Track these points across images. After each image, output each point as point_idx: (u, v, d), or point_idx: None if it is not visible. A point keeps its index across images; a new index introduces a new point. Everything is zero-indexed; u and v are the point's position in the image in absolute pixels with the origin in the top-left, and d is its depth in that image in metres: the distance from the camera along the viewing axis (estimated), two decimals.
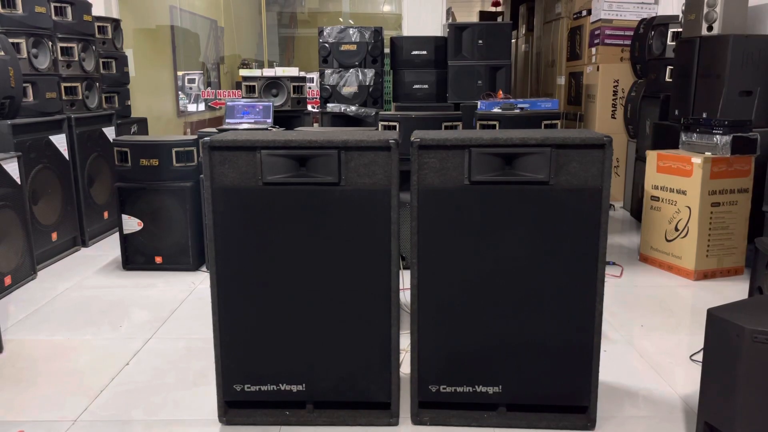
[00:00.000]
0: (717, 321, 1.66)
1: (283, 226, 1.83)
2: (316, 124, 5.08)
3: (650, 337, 2.60)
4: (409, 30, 5.51)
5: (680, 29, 4.00)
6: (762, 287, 2.27)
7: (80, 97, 4.11)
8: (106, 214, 4.31)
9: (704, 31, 3.63)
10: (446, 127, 3.36)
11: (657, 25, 4.45)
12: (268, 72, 4.60)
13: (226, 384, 1.93)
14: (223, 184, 1.81)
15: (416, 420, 1.94)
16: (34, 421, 2.00)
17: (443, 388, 1.91)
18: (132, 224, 3.48)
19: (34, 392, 2.18)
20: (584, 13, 5.51)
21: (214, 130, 3.93)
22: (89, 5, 4.26)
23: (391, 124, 3.38)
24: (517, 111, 3.56)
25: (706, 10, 3.61)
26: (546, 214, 1.79)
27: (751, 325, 1.58)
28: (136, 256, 3.53)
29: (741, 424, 1.62)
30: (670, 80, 4.12)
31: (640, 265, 3.59)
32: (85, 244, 4.05)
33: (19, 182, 3.26)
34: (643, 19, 4.86)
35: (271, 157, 1.79)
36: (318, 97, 4.98)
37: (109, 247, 4.03)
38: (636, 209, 4.58)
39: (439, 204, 1.81)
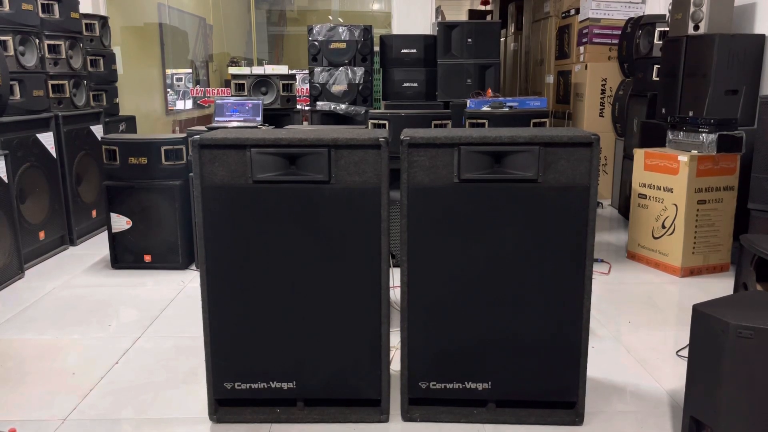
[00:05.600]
0: (702, 316, 1.69)
1: (273, 225, 1.83)
2: (305, 123, 5.07)
3: (637, 333, 2.63)
4: (398, 28, 5.52)
5: (667, 28, 4.04)
6: (747, 283, 2.31)
7: (68, 95, 4.08)
8: (94, 213, 4.29)
9: (691, 31, 3.67)
10: (436, 126, 3.37)
11: (644, 24, 4.49)
12: (257, 70, 4.59)
13: (217, 382, 1.93)
14: (212, 183, 1.81)
15: (406, 416, 1.95)
16: (24, 420, 1.99)
17: (433, 385, 1.92)
18: (121, 223, 3.46)
19: (23, 392, 2.17)
20: (572, 12, 5.55)
21: (203, 128, 3.92)
22: (76, 2, 4.23)
23: (381, 122, 3.38)
24: (506, 109, 3.58)
25: (692, 9, 3.64)
26: (534, 211, 1.81)
27: (735, 321, 1.61)
28: (124, 255, 3.51)
29: (725, 417, 1.64)
30: (657, 79, 4.15)
31: (628, 262, 3.63)
32: (73, 243, 4.03)
33: (6, 181, 3.24)
34: (631, 19, 4.90)
35: (261, 155, 1.80)
36: (308, 95, 4.97)
37: (98, 246, 4.00)
38: (624, 207, 4.62)
39: (429, 202, 1.82)
